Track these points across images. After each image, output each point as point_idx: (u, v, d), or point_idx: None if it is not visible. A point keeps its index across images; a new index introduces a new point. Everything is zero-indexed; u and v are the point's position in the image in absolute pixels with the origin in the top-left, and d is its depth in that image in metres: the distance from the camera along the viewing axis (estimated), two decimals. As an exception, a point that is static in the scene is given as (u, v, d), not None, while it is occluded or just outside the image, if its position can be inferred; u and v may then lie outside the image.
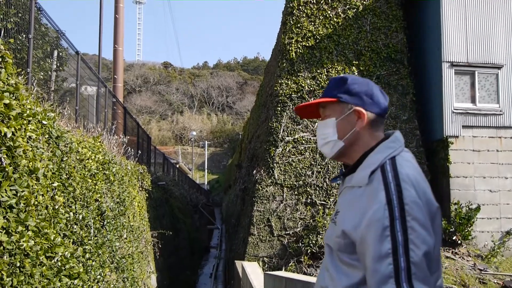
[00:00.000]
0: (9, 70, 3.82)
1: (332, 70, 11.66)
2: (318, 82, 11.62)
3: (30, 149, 4.22)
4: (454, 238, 10.38)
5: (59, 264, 4.48)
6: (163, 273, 12.52)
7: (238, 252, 13.16)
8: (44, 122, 4.76)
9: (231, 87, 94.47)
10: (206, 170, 66.36)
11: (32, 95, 4.95)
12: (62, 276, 4.51)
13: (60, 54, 8.93)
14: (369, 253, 1.63)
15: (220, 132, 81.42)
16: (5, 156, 3.64)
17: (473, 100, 11.96)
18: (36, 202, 4.19)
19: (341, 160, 2.04)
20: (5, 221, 3.53)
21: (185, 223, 19.48)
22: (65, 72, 9.35)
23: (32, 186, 4.13)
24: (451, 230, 10.38)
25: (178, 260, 16.38)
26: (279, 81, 11.79)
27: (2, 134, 3.60)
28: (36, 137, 4.41)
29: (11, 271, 3.50)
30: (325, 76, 11.65)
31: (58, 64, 8.94)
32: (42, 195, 4.42)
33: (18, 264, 3.59)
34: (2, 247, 3.44)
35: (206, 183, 64.27)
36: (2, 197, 3.51)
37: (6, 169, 3.62)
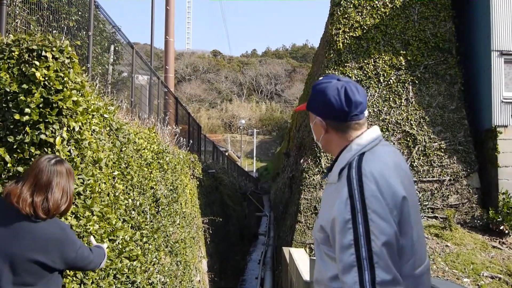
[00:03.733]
0: (76, 70, 4.19)
1: (379, 60, 11.71)
2: (365, 72, 11.70)
3: (94, 141, 4.61)
4: (501, 228, 10.33)
5: (120, 246, 4.87)
6: (214, 258, 12.95)
7: (285, 239, 13.45)
8: (105, 115, 5.16)
9: (279, 74, 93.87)
10: (254, 158, 66.48)
11: (95, 91, 5.35)
12: (123, 258, 4.91)
13: (116, 48, 9.36)
14: (336, 245, 1.81)
15: (268, 120, 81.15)
16: (73, 148, 4.02)
17: (523, 90, 11.80)
18: (99, 190, 4.58)
19: (330, 153, 2.19)
20: (74, 206, 3.92)
21: (235, 210, 19.88)
22: (120, 65, 9.78)
23: (96, 175, 4.51)
24: (499, 220, 10.34)
25: (228, 246, 16.80)
26: (326, 72, 11.91)
27: (71, 128, 3.98)
28: (99, 130, 4.80)
29: (80, 252, 3.90)
30: (372, 67, 11.71)
31: (115, 58, 9.36)
32: (105, 183, 4.81)
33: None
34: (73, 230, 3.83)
35: (254, 170, 64.40)
36: (72, 185, 3.90)
37: (75, 160, 4.00)
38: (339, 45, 11.87)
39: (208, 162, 18.20)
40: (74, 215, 3.91)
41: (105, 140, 5.07)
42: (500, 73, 11.31)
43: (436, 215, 10.89)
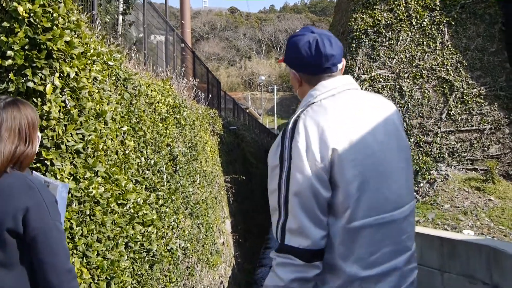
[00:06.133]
0: (69, 5, 3.52)
1: (411, 1, 10.67)
2: (396, 15, 10.76)
3: (96, 91, 3.97)
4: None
5: (132, 211, 4.29)
6: (237, 218, 12.47)
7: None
8: (110, 63, 4.49)
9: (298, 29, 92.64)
10: (275, 115, 66.23)
11: (96, 35, 4.68)
12: (135, 224, 4.33)
13: (126, -5, 8.68)
14: (268, 188, 1.90)
15: (288, 76, 80.00)
16: (69, 98, 3.39)
17: None
18: (105, 147, 3.97)
19: None
20: (72, 167, 3.32)
21: (258, 168, 19.37)
22: (132, 15, 9.11)
23: (100, 130, 3.90)
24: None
25: (251, 205, 16.34)
26: (353, 16, 11.04)
27: (65, 74, 3.34)
28: (102, 79, 4.14)
29: (80, 220, 3.30)
30: (403, 8, 10.75)
31: (125, 7, 8.69)
32: (111, 139, 4.20)
33: (88, 212, 3.39)
34: (70, 195, 3.23)
35: (276, 127, 64.22)
36: (68, 141, 3.28)
37: (71, 112, 3.37)
38: (367, -14, 10.97)
39: (229, 119, 17.60)
40: (72, 177, 3.30)
41: (110, 91, 4.43)
42: (547, 10, 10.33)
43: (476, 167, 10.12)
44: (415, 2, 10.83)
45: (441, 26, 10.71)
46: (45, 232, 2.02)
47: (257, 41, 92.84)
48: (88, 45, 3.91)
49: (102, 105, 4.04)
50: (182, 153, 6.99)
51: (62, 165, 3.20)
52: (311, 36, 2.00)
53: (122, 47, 5.90)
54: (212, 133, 10.99)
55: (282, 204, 1.80)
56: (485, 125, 10.30)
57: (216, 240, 8.41)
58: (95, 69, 3.99)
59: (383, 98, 2.15)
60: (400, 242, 1.92)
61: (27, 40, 3.09)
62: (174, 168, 6.46)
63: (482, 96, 10.38)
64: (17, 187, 2.06)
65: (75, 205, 3.28)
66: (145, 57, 8.04)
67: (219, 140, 11.69)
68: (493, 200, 8.66)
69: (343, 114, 1.89)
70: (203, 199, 7.86)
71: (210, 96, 13.82)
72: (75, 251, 3.18)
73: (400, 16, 10.84)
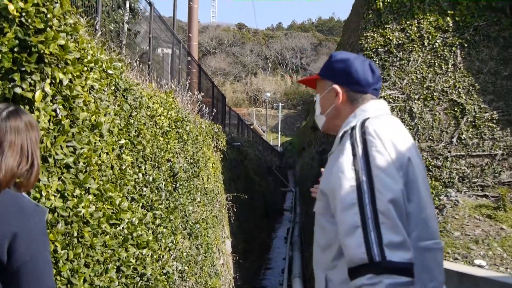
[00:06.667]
0: (66, 6, 3.24)
1: (423, 21, 10.45)
2: (407, 34, 10.48)
3: (93, 100, 3.68)
4: None
5: (125, 232, 3.96)
6: (238, 238, 12.10)
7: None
8: (109, 71, 4.20)
9: (305, 48, 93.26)
10: (279, 132, 66.05)
11: (96, 41, 4.40)
12: (129, 246, 4.00)
13: (133, 4, 8.42)
14: (337, 205, 1.67)
15: (293, 94, 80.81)
16: (60, 106, 3.09)
17: None
18: (99, 161, 3.67)
19: (330, 133, 2.13)
20: (60, 183, 3.00)
21: (260, 185, 19.05)
22: (139, 25, 8.87)
23: (94, 143, 3.60)
24: None
25: (253, 223, 15.98)
26: (364, 34, 10.75)
27: (57, 81, 3.05)
28: (99, 88, 3.85)
29: (66, 242, 2.98)
30: (415, 28, 10.46)
31: (131, 16, 8.44)
32: (107, 153, 3.90)
33: (75, 234, 3.07)
34: (56, 214, 2.92)
35: (279, 145, 64.03)
36: (57, 154, 2.98)
37: (62, 122, 3.07)
38: (379, 4, 10.64)
39: (233, 135, 17.30)
40: (59, 194, 2.99)
41: (108, 101, 4.13)
42: None
43: (487, 193, 9.75)
44: (428, 23, 10.56)
45: (453, 48, 10.42)
46: (31, 263, 1.76)
47: (264, 58, 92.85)
48: (86, 50, 3.63)
49: (98, 116, 3.75)
50: (183, 169, 6.68)
51: (48, 180, 2.90)
52: (359, 57, 2.00)
53: (125, 55, 5.63)
54: (215, 149, 10.69)
55: (369, 217, 1.57)
56: (497, 151, 9.96)
57: (216, 261, 8.06)
58: (92, 77, 3.70)
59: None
60: (441, 272, 1.81)
61: (17, 41, 2.80)
62: (174, 185, 6.14)
63: (494, 121, 10.05)
64: (7, 208, 1.79)
65: (61, 226, 2.96)
66: (149, 68, 7.78)
67: (222, 156, 11.38)
68: (505, 229, 8.30)
69: (401, 130, 1.86)
70: (203, 218, 7.53)
71: (215, 111, 13.54)
72: (58, 278, 2.85)
73: (412, 36, 10.57)
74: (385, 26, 10.72)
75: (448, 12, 10.54)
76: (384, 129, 1.75)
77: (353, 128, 1.80)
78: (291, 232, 19.29)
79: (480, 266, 7.31)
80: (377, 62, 10.66)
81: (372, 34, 10.75)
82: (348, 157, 1.70)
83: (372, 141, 1.69)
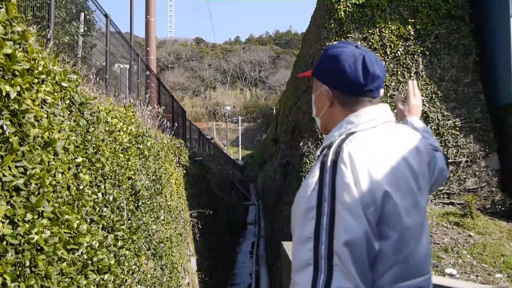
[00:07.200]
0: (12, 12, 2.94)
1: (385, 30, 10.41)
2: (370, 43, 10.41)
3: (45, 115, 3.37)
4: (527, 217, 9.29)
5: (85, 257, 3.64)
6: (203, 255, 11.76)
7: (282, 232, 12.26)
8: (63, 84, 3.89)
9: (263, 61, 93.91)
10: (240, 146, 66.01)
11: (48, 51, 4.08)
12: (89, 272, 3.67)
13: (88, 17, 8.08)
14: (294, 234, 1.52)
15: (253, 107, 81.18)
16: (8, 122, 2.78)
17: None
18: (53, 182, 3.35)
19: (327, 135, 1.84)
20: (9, 207, 2.68)
21: (223, 200, 18.74)
22: (95, 39, 8.53)
23: (48, 162, 3.28)
24: (523, 208, 9.28)
25: (217, 239, 15.64)
26: (327, 44, 10.67)
27: (4, 94, 2.74)
28: (52, 102, 3.54)
29: (17, 273, 2.66)
30: (377, 37, 10.42)
31: (86, 29, 8.10)
32: (62, 173, 3.58)
33: (27, 263, 2.75)
34: (5, 242, 2.60)
35: (240, 158, 63.93)
36: (4, 176, 2.66)
37: (10, 140, 2.76)
38: (341, 14, 10.55)
39: (195, 149, 16.99)
40: (8, 220, 2.67)
41: (63, 116, 3.82)
42: (522, 42, 10.13)
43: (453, 201, 9.72)
44: (389, 31, 10.55)
45: (415, 56, 10.44)
46: None
47: (222, 72, 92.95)
48: (36, 61, 3.32)
49: (52, 132, 3.43)
50: (145, 186, 6.36)
51: (-5, 205, 2.58)
52: (356, 50, 1.70)
53: (80, 68, 5.31)
54: (178, 165, 10.36)
55: (323, 256, 1.39)
56: (461, 158, 9.97)
57: (181, 281, 7.72)
58: (44, 90, 3.39)
59: (414, 132, 1.84)
60: None
61: (-44, 51, 2.50)
62: (136, 204, 5.81)
63: (457, 128, 10.07)
64: None
65: (11, 256, 2.63)
66: (107, 82, 7.45)
67: (184, 172, 11.07)
68: (473, 236, 8.26)
69: (389, 152, 1.58)
70: (167, 237, 7.20)
71: (176, 125, 13.22)
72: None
73: (374, 45, 10.54)
74: (347, 35, 10.66)
75: (409, 20, 10.56)
76: (361, 153, 1.50)
77: (329, 147, 1.56)
78: (256, 246, 19.00)
79: (451, 275, 7.22)
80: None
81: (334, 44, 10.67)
82: (313, 183, 1.50)
83: (342, 169, 1.46)
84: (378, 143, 1.58)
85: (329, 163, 1.49)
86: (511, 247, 7.98)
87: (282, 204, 13.94)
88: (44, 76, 3.39)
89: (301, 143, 11.55)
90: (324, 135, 9.20)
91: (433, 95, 10.22)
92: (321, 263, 1.39)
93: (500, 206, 9.71)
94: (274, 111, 50.37)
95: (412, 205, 1.58)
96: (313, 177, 1.51)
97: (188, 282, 8.77)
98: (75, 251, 3.51)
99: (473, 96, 10.22)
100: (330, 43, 10.02)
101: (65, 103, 3.95)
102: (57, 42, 6.19)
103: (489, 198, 9.83)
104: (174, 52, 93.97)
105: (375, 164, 1.50)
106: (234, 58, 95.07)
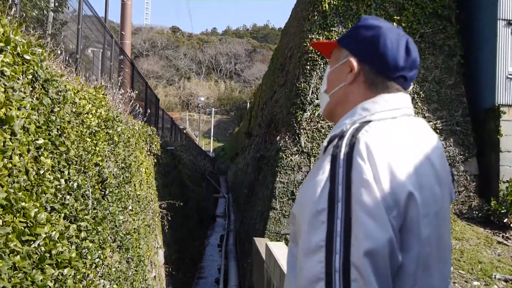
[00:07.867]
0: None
1: (369, 25, 10.21)
2: (353, 38, 10.20)
3: (2, 89, 2.99)
4: (505, 220, 9.14)
5: (42, 249, 3.27)
6: (171, 247, 11.42)
7: (254, 227, 12.01)
8: (26, 57, 3.50)
9: (239, 54, 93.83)
10: (212, 138, 65.81)
11: (9, 19, 3.68)
12: (46, 266, 3.30)
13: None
14: (300, 243, 1.24)
15: (227, 99, 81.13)
16: (-45, 93, 2.40)
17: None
18: (9, 165, 2.97)
19: (329, 121, 1.62)
20: (-48, 192, 2.31)
21: (194, 192, 18.40)
22: (65, 14, 8.08)
23: (3, 141, 2.91)
24: (502, 211, 9.11)
25: (186, 231, 15.31)
26: (309, 36, 10.37)
27: (-48, 60, 2.36)
28: (11, 75, 3.15)
29: (-42, 269, 2.29)
30: (361, 32, 10.22)
31: (57, 4, 7.66)
32: (20, 155, 3.19)
33: (-29, 258, 2.38)
34: None
35: (211, 150, 63.73)
36: None
37: (-42, 114, 2.38)
38: (325, 6, 10.27)
39: (167, 139, 16.59)
40: (-50, 207, 2.29)
41: (24, 92, 3.43)
42: (506, 45, 9.96)
43: (430, 205, 9.59)
44: (374, 27, 10.35)
45: (399, 54, 10.26)
46: None
47: (198, 62, 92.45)
48: (-6, 27, 2.93)
49: (10, 109, 3.05)
50: (113, 174, 5.98)
51: None
52: (400, 30, 1.46)
53: (47, 42, 4.90)
54: (149, 153, 9.98)
55: (337, 269, 1.12)
56: (440, 161, 9.84)
57: (147, 275, 7.36)
58: (3, 61, 3.01)
59: (431, 130, 1.50)
60: None
61: None
62: (103, 193, 5.43)
63: (438, 130, 9.97)
64: None
65: (-49, 248, 2.26)
66: (77, 61, 7.04)
67: (155, 161, 10.70)
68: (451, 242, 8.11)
69: (412, 147, 1.30)
70: (134, 228, 6.83)
71: (149, 112, 12.81)
72: None
73: (358, 40, 10.32)
74: (331, 28, 10.43)
75: (395, 17, 10.40)
76: (381, 146, 1.23)
77: (341, 137, 1.28)
78: (225, 240, 18.70)
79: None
80: (322, 66, 10.34)
81: (317, 37, 10.44)
82: (324, 182, 1.22)
83: (359, 164, 1.19)
84: (399, 135, 1.30)
85: (342, 156, 1.22)
86: (488, 254, 7.86)
87: (256, 198, 13.68)
88: (2, 44, 3.01)
89: (278, 137, 11.27)
90: (303, 129, 8.92)
91: (415, 95, 10.08)
92: (335, 277, 1.13)
93: (477, 212, 9.62)
94: (248, 105, 50.24)
95: (434, 214, 1.28)
96: (323, 173, 1.24)
97: (155, 276, 8.42)
98: (31, 242, 3.14)
99: (456, 98, 10.12)
100: (312, 36, 9.81)
101: (27, 78, 3.55)
102: (24, 15, 5.78)
103: (466, 203, 9.75)
104: (150, 40, 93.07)
105: (397, 159, 1.23)
106: (210, 49, 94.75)
